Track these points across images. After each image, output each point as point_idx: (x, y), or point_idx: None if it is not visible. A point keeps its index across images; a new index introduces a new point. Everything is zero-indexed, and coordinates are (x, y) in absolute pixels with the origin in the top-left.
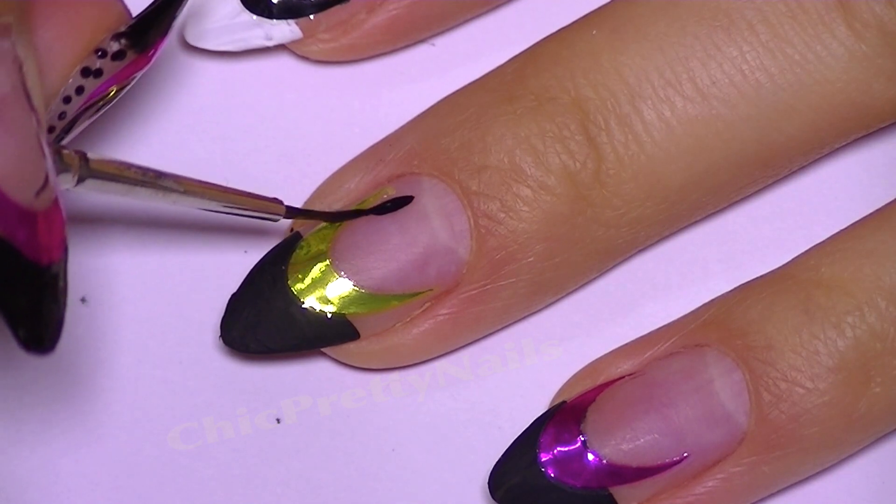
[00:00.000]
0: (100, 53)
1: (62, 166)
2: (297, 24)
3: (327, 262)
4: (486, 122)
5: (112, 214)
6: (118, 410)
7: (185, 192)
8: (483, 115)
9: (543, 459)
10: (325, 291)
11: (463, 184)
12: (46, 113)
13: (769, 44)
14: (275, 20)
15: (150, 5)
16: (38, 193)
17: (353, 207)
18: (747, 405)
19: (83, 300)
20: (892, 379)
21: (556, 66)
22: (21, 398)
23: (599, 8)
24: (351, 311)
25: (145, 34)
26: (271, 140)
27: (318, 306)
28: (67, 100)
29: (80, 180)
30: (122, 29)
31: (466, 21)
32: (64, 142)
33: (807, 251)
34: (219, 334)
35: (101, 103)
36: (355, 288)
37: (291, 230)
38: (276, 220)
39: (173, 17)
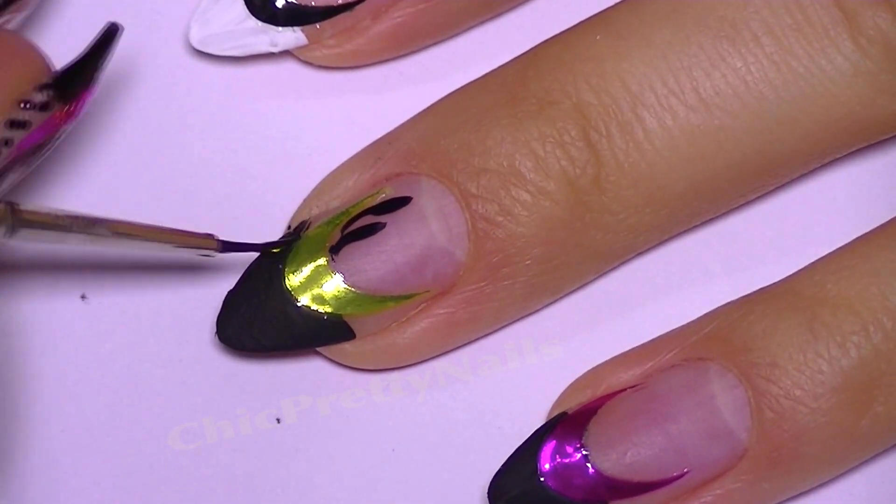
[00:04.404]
0: (25, 105)
1: None
2: (302, 30)
3: (324, 262)
4: (486, 125)
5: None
6: (118, 410)
7: (117, 236)
8: (484, 118)
9: (544, 471)
10: (322, 291)
11: (462, 186)
12: None
13: (774, 56)
14: (280, 27)
15: (75, 58)
16: None
17: (347, 207)
18: (749, 422)
19: (83, 298)
20: (895, 399)
21: (558, 70)
22: (21, 397)
23: (603, 11)
24: (347, 311)
25: (70, 86)
26: (271, 139)
27: (314, 306)
28: None
29: (13, 231)
30: (46, 80)
31: (470, 28)
32: None
33: (812, 265)
34: (215, 331)
35: (32, 156)
36: (352, 289)
37: (289, 228)
38: (212, 256)
39: (97, 70)
